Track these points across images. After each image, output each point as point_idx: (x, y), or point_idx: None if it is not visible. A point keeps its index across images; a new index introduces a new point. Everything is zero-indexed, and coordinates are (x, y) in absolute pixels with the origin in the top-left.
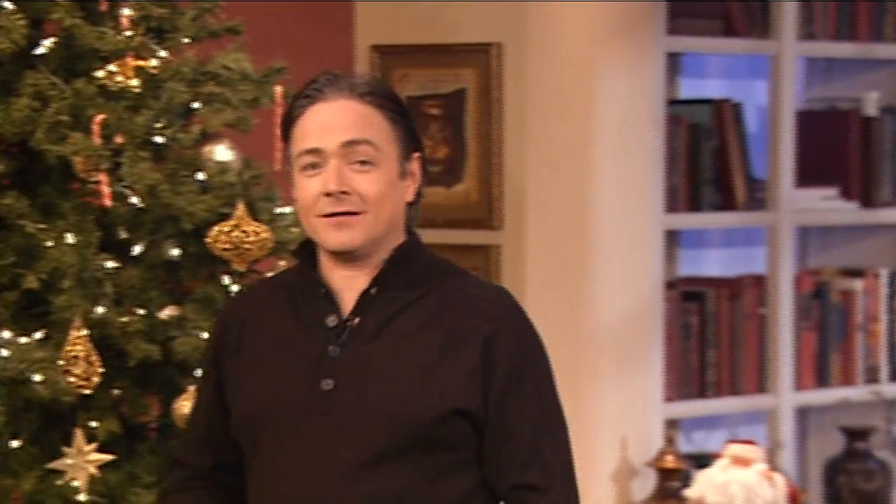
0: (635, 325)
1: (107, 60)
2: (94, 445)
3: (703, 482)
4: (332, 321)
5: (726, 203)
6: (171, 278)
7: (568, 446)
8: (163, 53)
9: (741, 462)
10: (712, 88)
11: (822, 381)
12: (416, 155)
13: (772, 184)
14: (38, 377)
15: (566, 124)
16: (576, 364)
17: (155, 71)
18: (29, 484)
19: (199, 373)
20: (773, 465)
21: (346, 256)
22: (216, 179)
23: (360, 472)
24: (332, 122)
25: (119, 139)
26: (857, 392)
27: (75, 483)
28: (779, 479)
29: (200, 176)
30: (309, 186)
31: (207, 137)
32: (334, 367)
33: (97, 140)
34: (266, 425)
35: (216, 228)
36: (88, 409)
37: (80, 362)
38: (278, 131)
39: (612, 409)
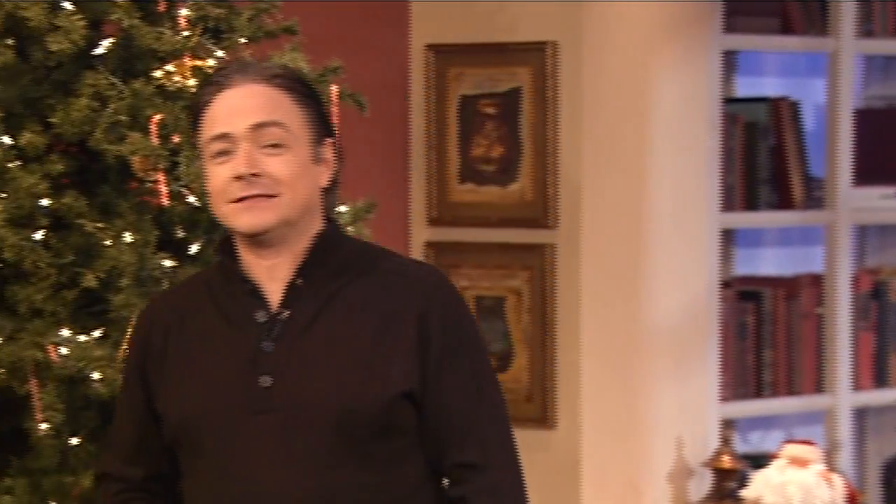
0: (691, 325)
1: (164, 61)
2: None
3: (760, 483)
4: (261, 316)
5: (783, 202)
6: None
7: (506, 421)
8: (220, 53)
9: (799, 463)
10: (769, 87)
11: (880, 381)
12: (329, 140)
13: (829, 182)
14: (96, 375)
15: (622, 123)
16: (631, 364)
17: (212, 71)
18: (88, 481)
19: None
20: (831, 465)
21: (262, 243)
22: None
23: (311, 467)
24: (239, 106)
25: (176, 139)
26: None
27: None
28: (837, 479)
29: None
30: (219, 173)
31: None
32: (270, 363)
33: (155, 140)
34: (206, 428)
35: None
36: None
37: None
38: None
39: (668, 408)
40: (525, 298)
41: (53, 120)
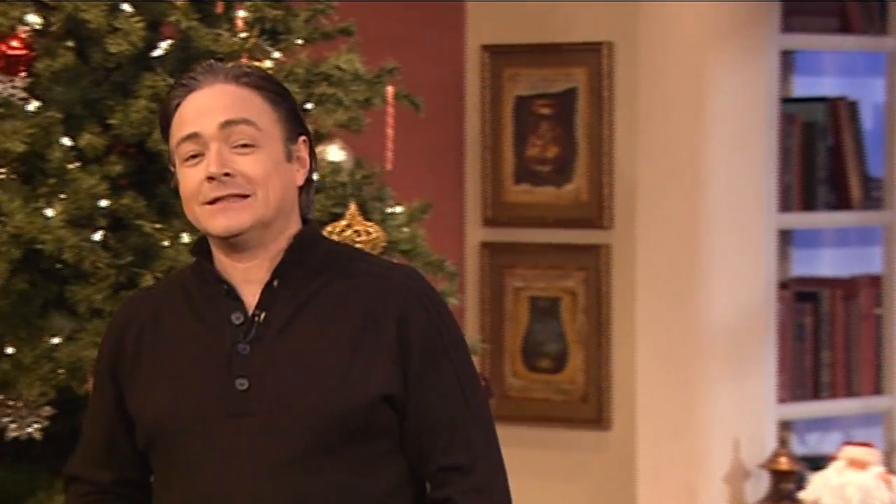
0: (748, 326)
1: (222, 62)
2: None
3: (818, 484)
4: (237, 318)
5: (841, 202)
6: None
7: (490, 422)
8: (277, 55)
9: (857, 464)
10: (827, 86)
11: None
12: (303, 138)
13: (888, 182)
14: None
15: (678, 123)
16: (688, 365)
17: (269, 72)
18: None
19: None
20: (891, 467)
21: (237, 245)
22: (328, 179)
23: (288, 471)
24: (208, 105)
25: None
26: None
27: None
28: None
29: (313, 175)
30: (191, 175)
31: (320, 137)
32: (246, 365)
33: None
34: (181, 431)
35: (328, 228)
36: None
37: None
38: (390, 131)
39: (725, 410)
40: (580, 299)
41: (112, 121)
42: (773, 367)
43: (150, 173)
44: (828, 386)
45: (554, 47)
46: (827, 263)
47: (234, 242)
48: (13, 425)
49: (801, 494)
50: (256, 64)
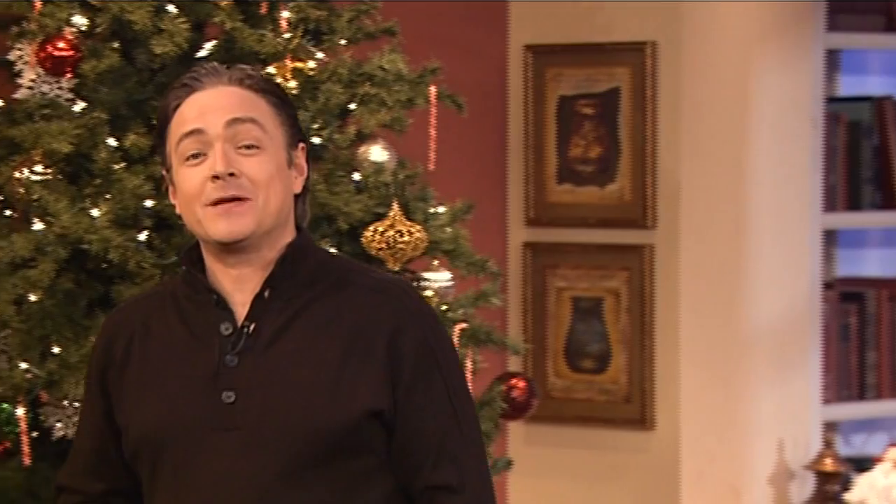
0: (792, 327)
1: (266, 63)
2: None
3: (864, 486)
4: (226, 329)
5: (887, 202)
6: None
7: (480, 442)
8: (320, 55)
9: None
10: (873, 85)
11: None
12: (302, 146)
13: None
14: None
15: (722, 123)
16: (732, 366)
17: (312, 72)
18: None
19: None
20: None
21: (234, 252)
22: (371, 179)
23: (273, 487)
24: (213, 104)
25: None
26: None
27: None
28: None
29: (356, 176)
30: (192, 175)
31: (363, 138)
32: (234, 377)
33: None
34: (166, 443)
35: (371, 228)
36: None
37: None
38: (433, 131)
39: (770, 411)
40: (623, 299)
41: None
42: (818, 367)
43: None
44: (873, 387)
45: (597, 47)
46: (872, 263)
47: (232, 248)
48: (59, 424)
49: (847, 496)
50: (299, 65)
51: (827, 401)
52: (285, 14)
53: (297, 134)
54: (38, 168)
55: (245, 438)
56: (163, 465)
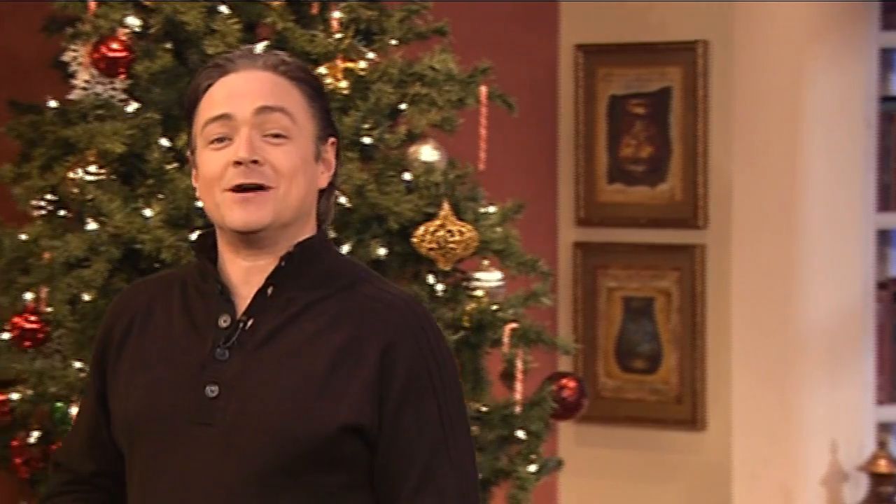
0: (845, 327)
1: (317, 63)
2: None
3: None
4: (224, 321)
5: None
6: None
7: (471, 474)
8: (371, 55)
9: None
10: None
11: None
12: (332, 140)
13: None
14: None
15: (774, 122)
16: (784, 366)
17: (363, 72)
18: None
19: None
20: None
21: (249, 242)
22: (422, 179)
23: (242, 491)
24: (244, 88)
25: None
26: None
27: None
28: None
29: (407, 176)
30: (215, 159)
31: (413, 138)
32: (221, 372)
33: None
34: (145, 432)
35: (422, 228)
36: None
37: None
38: (483, 131)
39: (823, 412)
40: (674, 299)
41: None
42: (872, 368)
43: None
44: None
45: (648, 46)
46: None
47: (248, 238)
48: None
49: None
50: (350, 65)
51: (880, 401)
52: (336, 14)
53: (328, 128)
54: (92, 168)
55: (220, 436)
56: (140, 452)
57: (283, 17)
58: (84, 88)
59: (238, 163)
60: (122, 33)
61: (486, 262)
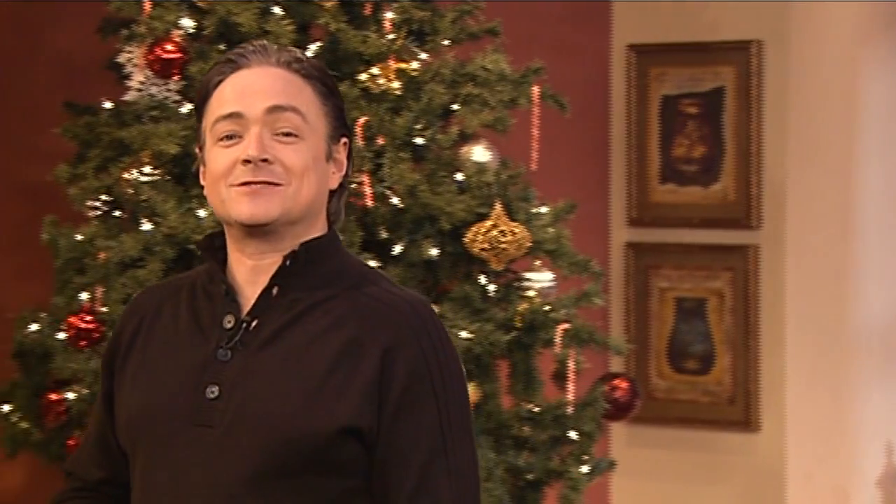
0: None
1: (370, 63)
2: None
3: None
4: (228, 321)
5: None
6: (429, 277)
7: (471, 484)
8: (423, 56)
9: None
10: None
11: None
12: (345, 140)
13: None
14: None
15: (829, 121)
16: (839, 367)
17: (415, 73)
18: None
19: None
20: None
21: (255, 239)
22: (474, 179)
23: (239, 493)
24: (255, 86)
25: (380, 140)
26: None
27: None
28: None
29: (459, 176)
30: (224, 155)
31: (466, 138)
32: (222, 372)
33: (360, 142)
34: (143, 433)
35: (474, 228)
36: None
37: None
38: (535, 131)
39: (878, 412)
40: (727, 300)
41: None
42: None
43: None
44: None
45: (701, 46)
46: None
47: (254, 234)
48: None
49: None
50: (403, 65)
51: None
52: (389, 15)
53: (341, 127)
54: (147, 169)
55: (218, 438)
56: (141, 454)
57: (335, 17)
58: (139, 90)
59: (247, 161)
60: (176, 35)
61: (538, 263)
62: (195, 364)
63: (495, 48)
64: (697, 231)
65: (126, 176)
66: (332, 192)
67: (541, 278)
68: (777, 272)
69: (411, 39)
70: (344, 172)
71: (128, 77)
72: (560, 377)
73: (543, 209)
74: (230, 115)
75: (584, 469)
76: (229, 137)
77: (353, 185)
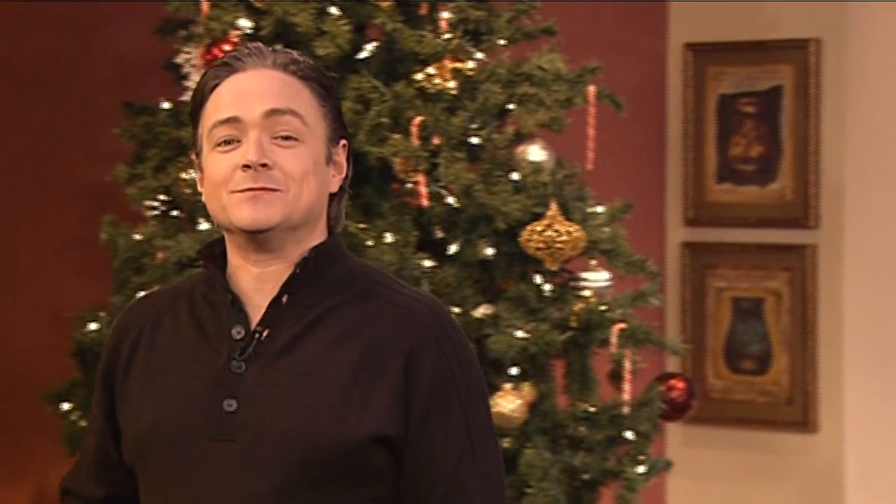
0: None
1: (425, 63)
2: None
3: None
4: (238, 332)
5: None
6: (484, 277)
7: (499, 486)
8: (479, 55)
9: None
10: None
11: None
12: (344, 143)
13: None
14: None
15: (888, 120)
16: None
17: (471, 73)
18: None
19: (513, 371)
20: None
21: (257, 244)
22: (530, 179)
23: None
24: (253, 89)
25: (436, 140)
26: None
27: None
28: None
29: (514, 176)
30: (223, 161)
31: (521, 137)
32: (238, 385)
33: (416, 141)
34: (159, 449)
35: (529, 228)
36: None
37: None
38: (591, 131)
39: None
40: (785, 300)
41: None
42: None
43: (355, 174)
44: None
45: (759, 45)
46: None
47: (256, 240)
48: None
49: None
50: (458, 65)
51: None
52: (445, 15)
53: (339, 129)
54: None
55: (240, 452)
56: (154, 475)
57: (392, 17)
58: None
59: (247, 166)
60: (233, 35)
61: (593, 262)
62: (207, 377)
63: (551, 48)
64: (754, 231)
65: (184, 176)
66: (332, 196)
67: (597, 278)
68: (835, 272)
69: (467, 39)
70: (344, 175)
71: (185, 77)
72: (616, 377)
73: (599, 209)
74: (228, 120)
75: (641, 469)
76: (227, 142)
77: (409, 185)
